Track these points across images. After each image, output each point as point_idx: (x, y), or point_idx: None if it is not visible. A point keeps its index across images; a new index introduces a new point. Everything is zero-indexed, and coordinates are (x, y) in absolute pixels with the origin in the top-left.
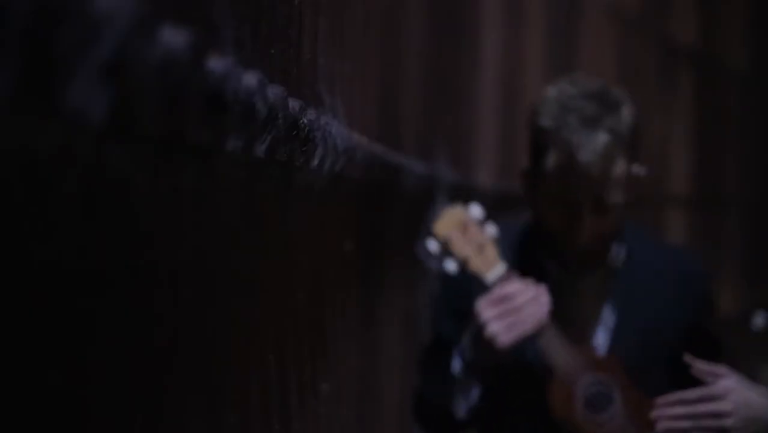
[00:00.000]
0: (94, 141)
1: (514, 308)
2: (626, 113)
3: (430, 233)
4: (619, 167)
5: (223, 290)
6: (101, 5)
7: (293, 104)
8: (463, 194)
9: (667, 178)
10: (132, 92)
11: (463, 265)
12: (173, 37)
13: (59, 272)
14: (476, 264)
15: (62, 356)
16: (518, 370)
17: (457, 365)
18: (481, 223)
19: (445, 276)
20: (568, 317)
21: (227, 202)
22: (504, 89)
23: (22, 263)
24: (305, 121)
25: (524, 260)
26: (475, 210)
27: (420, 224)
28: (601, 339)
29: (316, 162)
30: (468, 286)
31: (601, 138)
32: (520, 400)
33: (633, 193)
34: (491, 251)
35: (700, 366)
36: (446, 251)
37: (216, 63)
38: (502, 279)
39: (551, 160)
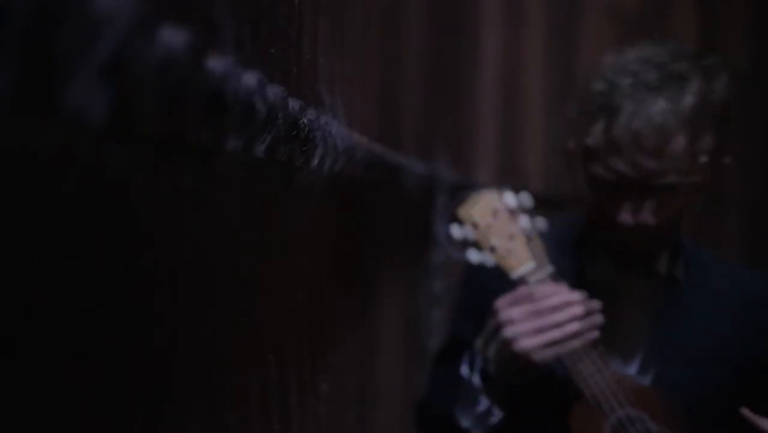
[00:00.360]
0: (94, 141)
1: (541, 310)
2: (695, 88)
3: (455, 217)
4: (677, 145)
5: (223, 290)
6: (101, 5)
7: (293, 104)
8: (462, 194)
9: None
10: (132, 92)
11: (488, 256)
12: (173, 37)
13: (59, 272)
14: (503, 256)
15: (62, 356)
16: (537, 387)
17: (465, 369)
18: (515, 212)
19: (468, 268)
20: (607, 332)
21: (227, 202)
22: (504, 89)
23: (22, 263)
24: (305, 121)
25: (562, 259)
26: (510, 197)
27: (420, 224)
28: (642, 364)
29: (316, 162)
30: (493, 282)
31: (659, 106)
32: (536, 422)
33: (695, 186)
34: (523, 244)
35: (763, 424)
36: (472, 238)
37: (216, 63)
38: (535, 279)
39: (598, 127)
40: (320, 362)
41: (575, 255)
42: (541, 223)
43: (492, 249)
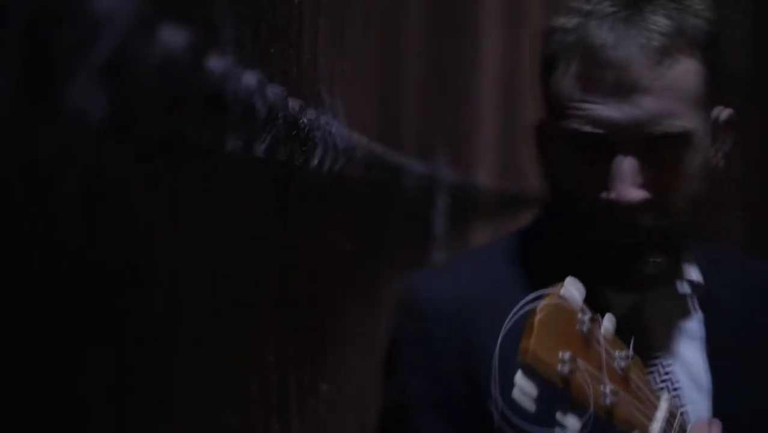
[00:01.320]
0: (94, 141)
1: None
2: (701, 7)
3: (521, 363)
4: (687, 76)
5: (222, 289)
6: (101, 5)
7: (293, 104)
8: (463, 194)
9: None
10: (132, 92)
11: (603, 416)
12: (173, 37)
13: (59, 272)
14: (629, 412)
15: (61, 355)
16: None
17: None
18: (598, 319)
19: (425, 331)
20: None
21: (227, 202)
22: (504, 89)
23: (22, 263)
24: (305, 121)
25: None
26: (576, 289)
27: (420, 224)
28: (697, 404)
29: (316, 162)
30: (477, 357)
31: (655, 22)
32: None
33: (700, 146)
34: (642, 376)
35: None
36: (559, 394)
37: (216, 63)
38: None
39: (567, 71)
40: (320, 362)
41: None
42: (610, 321)
43: (607, 406)
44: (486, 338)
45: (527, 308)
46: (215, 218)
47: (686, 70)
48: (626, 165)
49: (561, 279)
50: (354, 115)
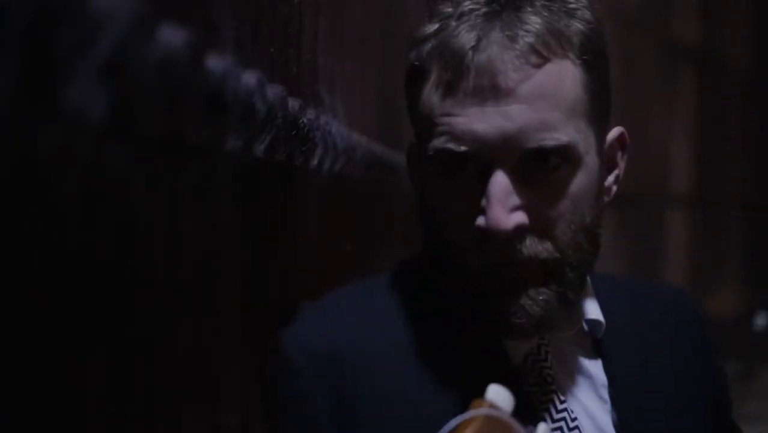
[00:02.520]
0: (94, 141)
1: None
2: (576, 6)
3: None
4: (562, 81)
5: (223, 289)
6: (101, 5)
7: (293, 104)
8: None
9: (667, 178)
10: (132, 92)
11: None
12: (173, 37)
13: (59, 272)
14: None
15: (61, 355)
16: None
17: None
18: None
19: (300, 399)
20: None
21: (227, 202)
22: None
23: (22, 263)
24: (305, 120)
25: (446, 348)
26: (503, 398)
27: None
28: None
29: (315, 162)
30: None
31: (522, 19)
32: None
33: (581, 162)
34: None
35: None
36: None
37: (216, 63)
38: None
39: (428, 83)
40: None
41: (457, 328)
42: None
43: None
44: (365, 407)
45: (453, 424)
46: (215, 218)
47: (560, 74)
48: (497, 186)
49: (446, 329)
50: (354, 115)
